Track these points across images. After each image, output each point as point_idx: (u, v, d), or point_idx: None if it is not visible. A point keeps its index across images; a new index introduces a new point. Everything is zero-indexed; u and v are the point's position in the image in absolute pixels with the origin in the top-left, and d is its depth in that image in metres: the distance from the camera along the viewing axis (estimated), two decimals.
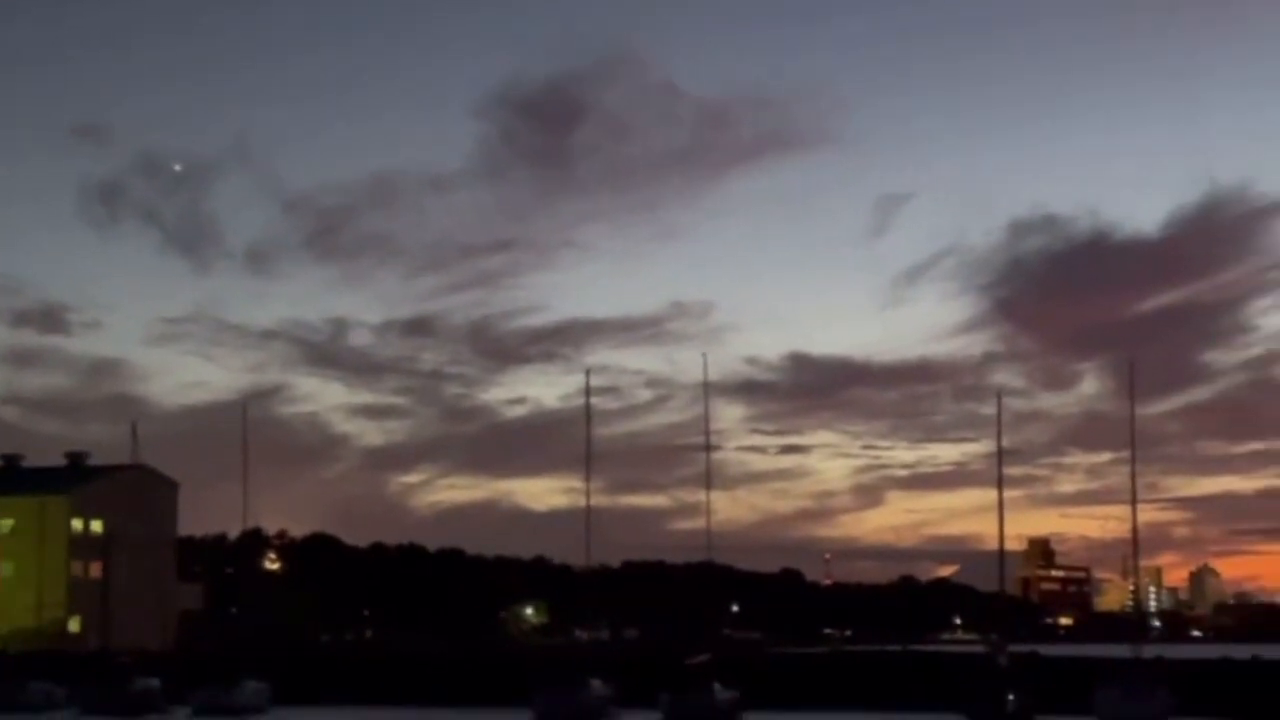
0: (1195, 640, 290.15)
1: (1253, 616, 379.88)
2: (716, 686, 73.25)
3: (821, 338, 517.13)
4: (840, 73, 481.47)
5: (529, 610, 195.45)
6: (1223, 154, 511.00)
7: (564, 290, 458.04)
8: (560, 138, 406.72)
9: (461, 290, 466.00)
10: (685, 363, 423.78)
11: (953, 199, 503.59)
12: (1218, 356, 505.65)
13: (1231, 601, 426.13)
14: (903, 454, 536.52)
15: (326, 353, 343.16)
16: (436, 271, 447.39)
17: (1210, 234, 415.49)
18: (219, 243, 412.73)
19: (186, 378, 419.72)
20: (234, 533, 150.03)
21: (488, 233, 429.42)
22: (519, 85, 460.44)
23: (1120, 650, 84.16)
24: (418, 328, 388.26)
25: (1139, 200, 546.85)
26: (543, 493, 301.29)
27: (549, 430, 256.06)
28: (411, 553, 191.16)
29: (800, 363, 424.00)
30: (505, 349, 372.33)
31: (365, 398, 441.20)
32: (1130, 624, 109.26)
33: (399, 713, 74.92)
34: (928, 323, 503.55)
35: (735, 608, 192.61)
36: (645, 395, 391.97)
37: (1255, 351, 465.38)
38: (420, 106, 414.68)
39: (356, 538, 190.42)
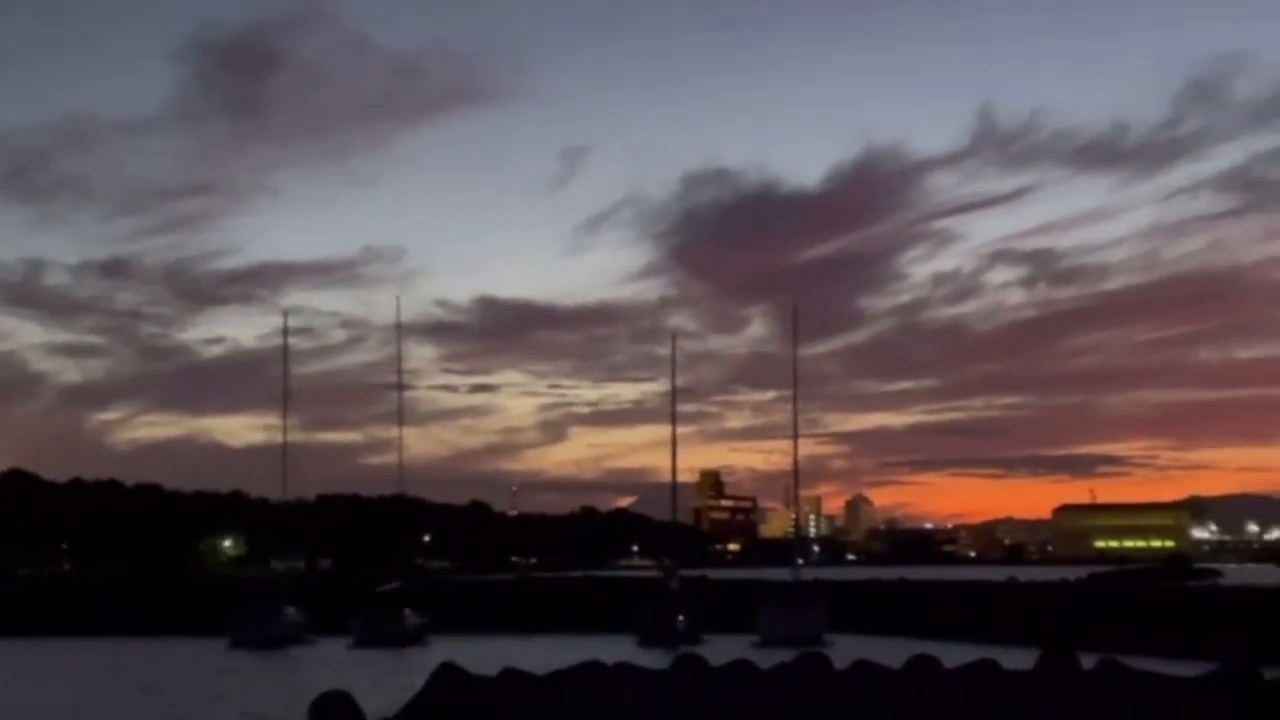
0: (850, 563, 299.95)
1: (901, 541, 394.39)
2: (407, 612, 73.52)
3: (509, 282, 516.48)
4: (526, 28, 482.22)
5: (226, 543, 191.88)
6: (877, 115, 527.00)
7: (260, 234, 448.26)
8: (256, 84, 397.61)
9: (158, 233, 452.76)
10: (379, 305, 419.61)
11: (631, 152, 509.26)
12: (872, 302, 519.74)
13: (882, 528, 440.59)
14: (585, 392, 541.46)
15: (22, 292, 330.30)
16: (133, 214, 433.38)
17: (866, 189, 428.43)
18: None
19: None
20: None
21: (184, 177, 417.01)
22: (216, 31, 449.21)
23: (782, 573, 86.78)
24: (114, 269, 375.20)
25: (802, 156, 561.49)
26: (240, 429, 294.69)
27: (246, 369, 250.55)
28: (110, 488, 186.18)
29: (489, 306, 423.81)
30: (202, 290, 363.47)
31: (62, 337, 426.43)
32: (791, 549, 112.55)
33: (96, 642, 73.08)
34: (608, 269, 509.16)
35: (426, 538, 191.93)
36: (340, 336, 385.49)
37: (905, 298, 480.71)
38: (116, 50, 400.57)
39: (54, 473, 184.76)
